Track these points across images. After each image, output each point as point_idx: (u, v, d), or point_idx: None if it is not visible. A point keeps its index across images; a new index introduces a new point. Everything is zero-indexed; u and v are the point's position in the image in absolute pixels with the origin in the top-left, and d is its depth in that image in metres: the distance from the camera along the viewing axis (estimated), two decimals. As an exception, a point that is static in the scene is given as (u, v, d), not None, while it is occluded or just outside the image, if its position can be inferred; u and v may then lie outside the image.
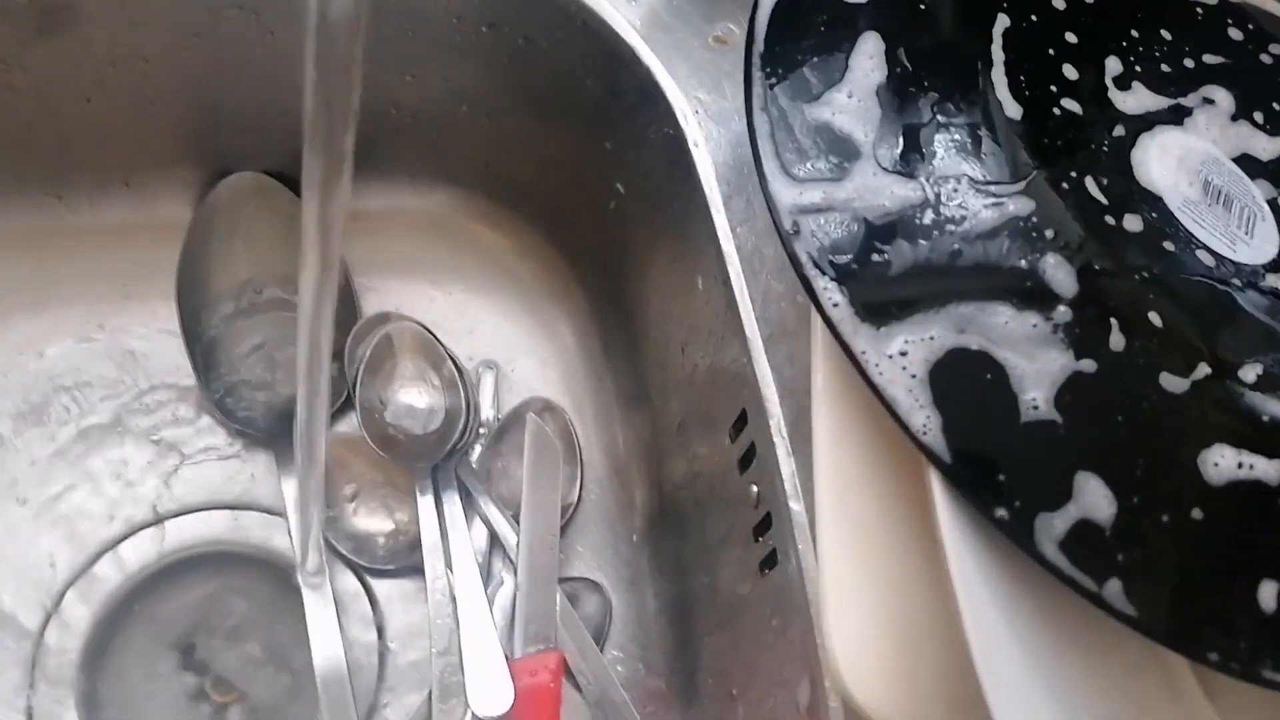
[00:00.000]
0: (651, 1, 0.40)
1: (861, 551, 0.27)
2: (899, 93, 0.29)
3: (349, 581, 0.47)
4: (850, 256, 0.27)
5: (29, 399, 0.48)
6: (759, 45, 0.30)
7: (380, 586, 0.48)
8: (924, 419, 0.25)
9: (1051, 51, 0.30)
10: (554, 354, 0.52)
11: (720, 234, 0.36)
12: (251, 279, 0.50)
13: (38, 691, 0.44)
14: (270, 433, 0.49)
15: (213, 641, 0.47)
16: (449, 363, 0.49)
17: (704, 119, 0.38)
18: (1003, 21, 0.30)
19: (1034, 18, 0.30)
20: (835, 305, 0.27)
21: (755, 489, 0.36)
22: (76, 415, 0.48)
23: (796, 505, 0.33)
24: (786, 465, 0.33)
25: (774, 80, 0.29)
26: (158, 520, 0.47)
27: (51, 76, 0.44)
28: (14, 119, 0.45)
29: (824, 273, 0.27)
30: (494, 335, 0.52)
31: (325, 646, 0.43)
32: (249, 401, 0.49)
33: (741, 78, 0.37)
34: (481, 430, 0.50)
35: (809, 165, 0.28)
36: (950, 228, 0.27)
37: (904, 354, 0.26)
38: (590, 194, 0.47)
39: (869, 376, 0.26)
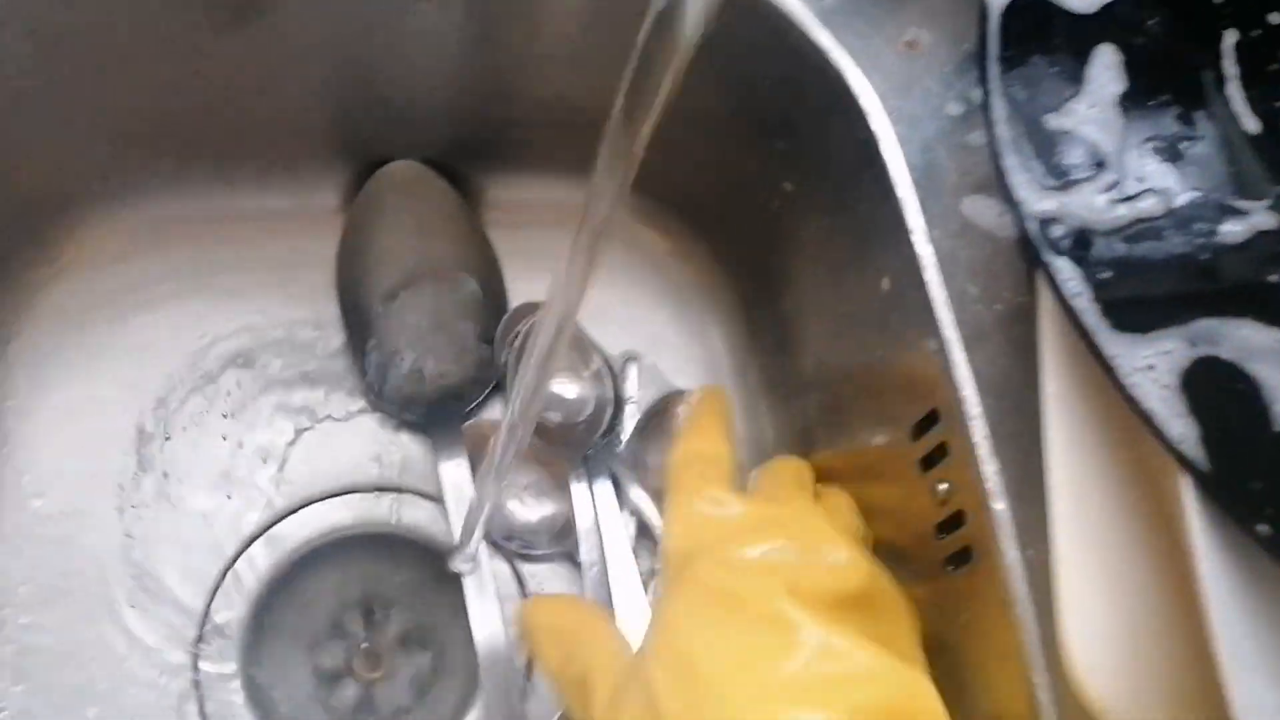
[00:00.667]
0: (837, 6, 0.40)
1: (1098, 554, 0.28)
2: (1140, 105, 0.29)
3: (500, 567, 0.48)
4: (1096, 264, 0.28)
5: (192, 381, 0.50)
6: (994, 52, 0.30)
7: (530, 571, 0.49)
8: (1180, 429, 0.26)
9: (1274, 67, 0.31)
10: (698, 349, 0.53)
11: (915, 236, 0.37)
12: (410, 266, 0.51)
13: (202, 666, 0.45)
14: (425, 418, 0.50)
15: (361, 620, 0.49)
16: (597, 355, 0.50)
17: (897, 123, 0.38)
18: (1230, 35, 0.30)
19: (1257, 31, 0.31)
20: (1084, 311, 0.27)
21: (943, 487, 0.36)
22: (237, 398, 0.50)
23: (1000, 505, 0.33)
24: (989, 465, 0.34)
25: (1014, 88, 0.30)
26: (312, 501, 0.49)
27: (237, 65, 0.45)
28: (195, 106, 0.46)
29: (1071, 278, 0.28)
30: (638, 327, 0.53)
31: (486, 631, 0.44)
32: (405, 388, 0.50)
33: (931, 83, 0.38)
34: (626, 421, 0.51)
35: (1053, 173, 0.29)
36: (1195, 240, 0.28)
37: (1151, 366, 0.27)
38: (752, 193, 0.48)
39: (1122, 384, 0.26)
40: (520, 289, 0.51)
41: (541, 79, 0.47)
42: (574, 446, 0.49)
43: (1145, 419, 0.26)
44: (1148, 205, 0.28)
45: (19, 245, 0.48)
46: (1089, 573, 0.28)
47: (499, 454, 0.35)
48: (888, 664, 0.30)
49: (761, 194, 0.47)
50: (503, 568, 0.48)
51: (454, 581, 0.46)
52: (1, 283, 0.48)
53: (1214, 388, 0.26)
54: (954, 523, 0.36)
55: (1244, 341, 0.27)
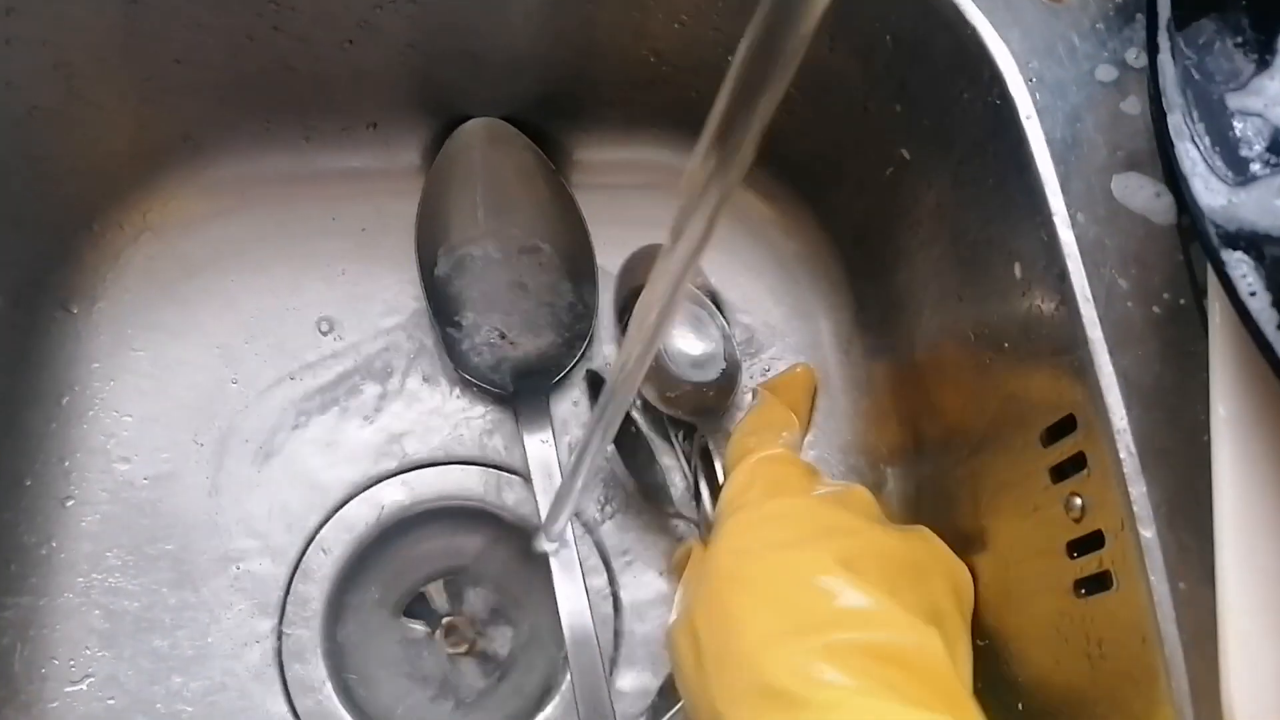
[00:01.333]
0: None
1: (1270, 597, 0.24)
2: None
3: (587, 548, 0.47)
4: (1284, 271, 0.24)
5: (276, 345, 0.48)
6: (1166, 9, 0.26)
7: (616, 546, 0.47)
8: None
9: None
10: (799, 321, 0.49)
11: (1056, 218, 0.33)
12: (490, 230, 0.49)
13: (287, 634, 0.44)
14: (507, 387, 0.47)
15: (445, 594, 0.47)
16: (719, 315, 0.47)
17: (1038, 88, 0.34)
18: None
19: None
20: (1267, 323, 0.23)
21: (1079, 501, 0.33)
22: (320, 362, 0.48)
23: (1149, 532, 0.30)
24: (1136, 486, 0.30)
25: (1188, 58, 0.26)
26: (395, 473, 0.47)
27: (319, 17, 0.42)
28: (276, 61, 0.44)
29: (1254, 285, 0.24)
30: (736, 297, 0.50)
31: (573, 610, 0.43)
32: (488, 355, 0.48)
33: (1078, 42, 0.34)
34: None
35: (1233, 161, 0.25)
36: None
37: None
38: (865, 158, 0.44)
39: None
40: (610, 254, 0.48)
41: (636, 33, 0.44)
42: (708, 412, 0.47)
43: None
44: (1354, 203, 0.24)
45: (104, 207, 0.47)
46: (1260, 617, 0.25)
47: (596, 427, 0.33)
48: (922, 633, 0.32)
49: (876, 160, 0.43)
50: (589, 549, 0.46)
51: (540, 559, 0.44)
52: (87, 244, 0.47)
53: None
54: (1090, 543, 0.32)
55: None
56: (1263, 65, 0.25)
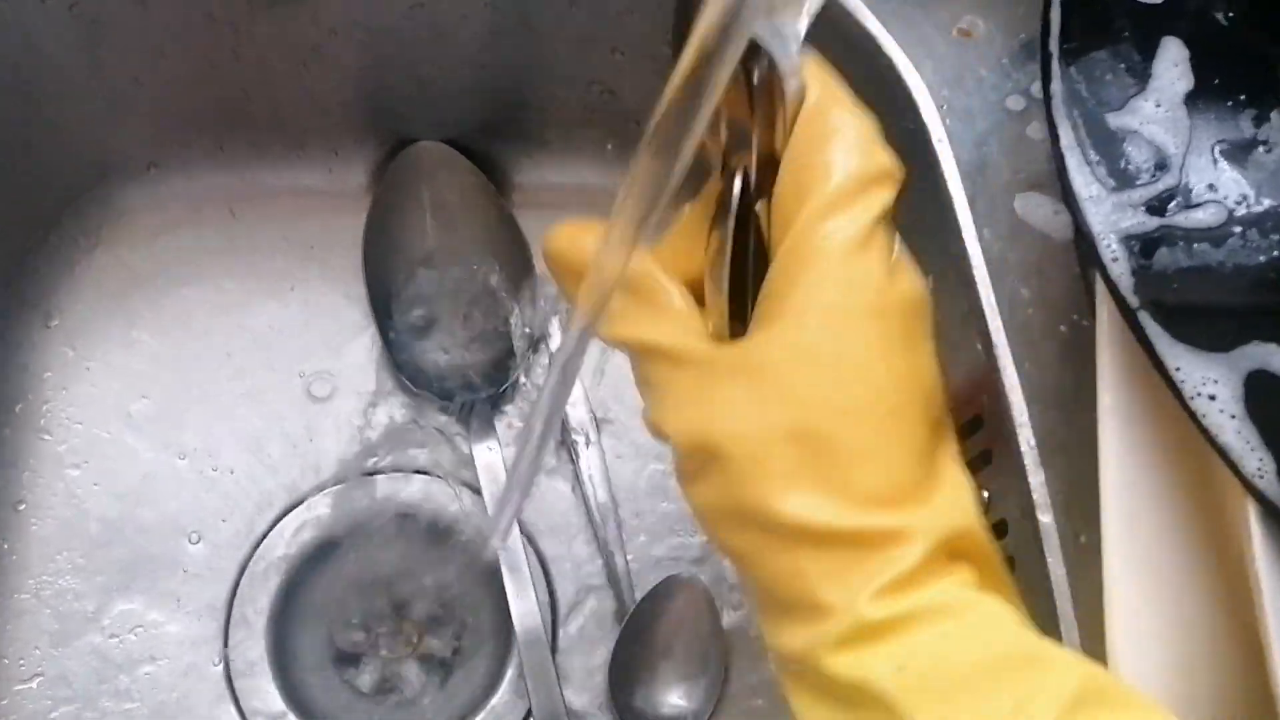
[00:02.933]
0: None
1: (1151, 575, 0.27)
2: (1211, 105, 0.28)
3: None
4: (1158, 273, 0.27)
5: (224, 358, 0.49)
6: (1055, 44, 0.29)
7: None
8: (1257, 463, 0.24)
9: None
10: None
11: (965, 234, 0.36)
12: (433, 249, 0.51)
13: (234, 636, 0.45)
14: (454, 401, 0.49)
15: (390, 600, 0.49)
16: None
17: (947, 114, 0.37)
18: (1315, 33, 0.28)
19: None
20: (1145, 321, 0.26)
21: (986, 494, 0.35)
22: (267, 376, 0.50)
23: (1046, 517, 0.32)
24: (1036, 475, 0.33)
25: (1077, 83, 0.29)
26: (341, 480, 0.48)
27: (275, 44, 0.44)
28: (232, 84, 0.46)
29: (1132, 286, 0.26)
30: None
31: (523, 614, 0.44)
32: (434, 368, 0.50)
33: (985, 71, 0.37)
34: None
35: (1116, 175, 0.28)
36: (1264, 253, 0.26)
37: (1213, 396, 0.26)
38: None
39: (1190, 409, 0.25)
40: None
41: (576, 61, 0.46)
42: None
43: (1221, 454, 0.25)
44: (1214, 213, 0.27)
45: (60, 219, 0.48)
46: (1141, 591, 0.27)
47: (532, 441, 0.34)
48: None
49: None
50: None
51: (481, 566, 0.46)
52: (42, 257, 0.48)
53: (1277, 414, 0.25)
54: (995, 532, 0.35)
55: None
56: (1140, 88, 0.28)
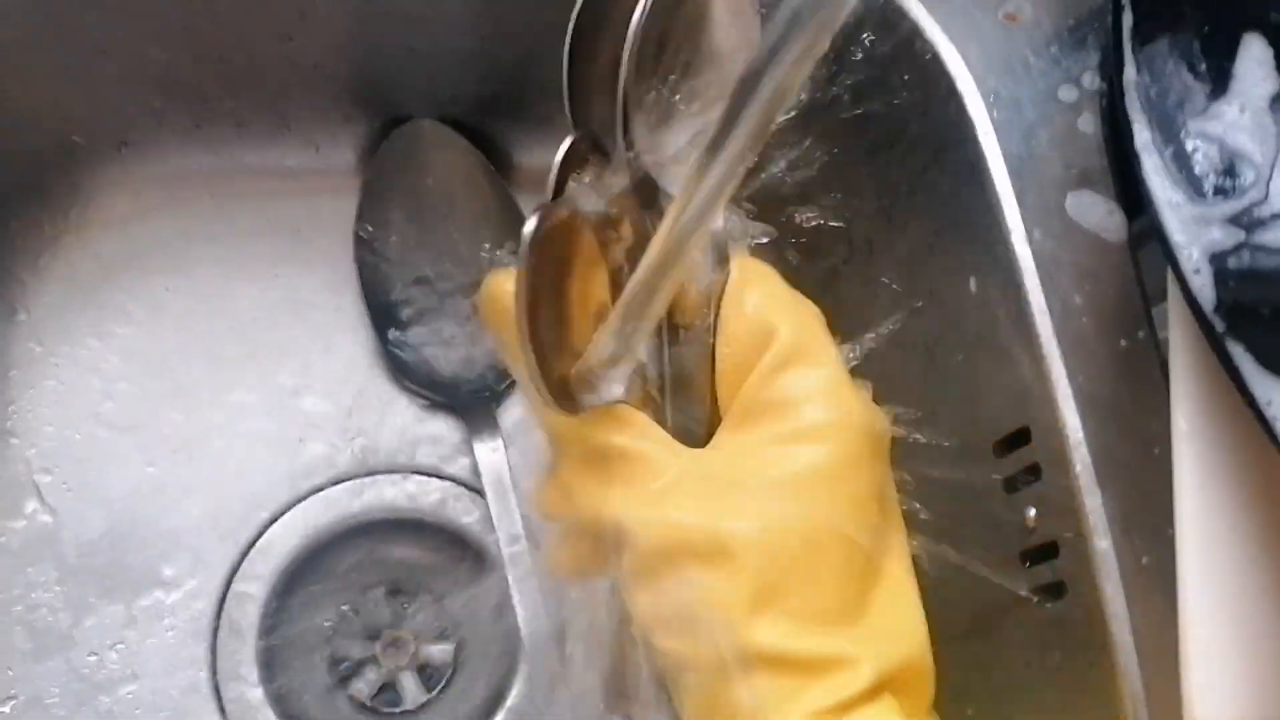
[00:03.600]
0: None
1: (1230, 608, 0.25)
2: (1298, 108, 0.26)
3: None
4: (1247, 294, 0.25)
5: (204, 351, 0.47)
6: (1127, 34, 0.27)
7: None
8: None
9: None
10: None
11: (1013, 234, 0.33)
12: (429, 236, 0.48)
13: (222, 650, 0.43)
14: (453, 398, 0.47)
15: (386, 604, 0.46)
16: None
17: (995, 105, 0.35)
18: None
19: None
20: (1229, 344, 0.24)
21: (1033, 512, 0.33)
22: (252, 369, 0.47)
23: (1104, 542, 0.30)
24: (1092, 496, 0.31)
25: (1149, 79, 0.26)
26: (334, 482, 0.46)
27: (254, 8, 0.41)
28: (208, 54, 0.43)
29: (1219, 306, 0.24)
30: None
31: (530, 616, 0.42)
32: (432, 364, 0.47)
33: (1034, 60, 0.35)
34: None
35: (1197, 183, 0.25)
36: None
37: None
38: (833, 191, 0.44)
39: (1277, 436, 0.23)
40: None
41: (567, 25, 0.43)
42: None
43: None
44: (1308, 228, 0.25)
45: (25, 205, 0.45)
46: (1220, 628, 0.25)
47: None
48: None
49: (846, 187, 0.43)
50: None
51: (483, 569, 0.44)
52: (4, 246, 0.45)
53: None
54: (1044, 553, 0.33)
55: None
56: (1219, 91, 0.26)
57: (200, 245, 0.47)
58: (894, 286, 0.41)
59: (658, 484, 0.25)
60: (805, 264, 0.48)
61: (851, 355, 0.36)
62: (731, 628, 0.23)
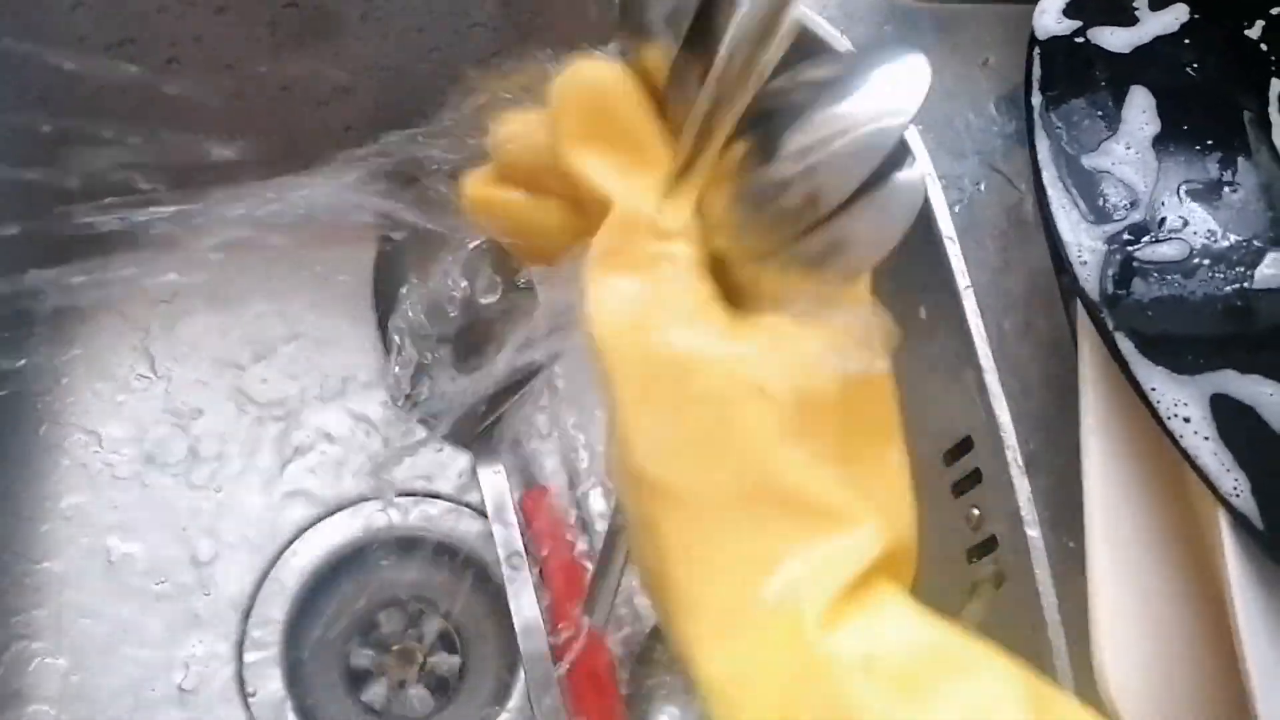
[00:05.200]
0: (870, 28, 0.42)
1: (1133, 581, 0.29)
2: (1175, 147, 0.31)
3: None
4: (1133, 301, 0.29)
5: (230, 383, 0.51)
6: (1037, 91, 0.32)
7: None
8: (1234, 482, 0.27)
9: (1317, 116, 0.32)
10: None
11: (955, 267, 0.38)
12: (444, 263, 0.53)
13: (246, 659, 0.46)
14: (457, 426, 0.51)
15: (397, 623, 0.50)
16: None
17: (939, 154, 0.40)
18: (1277, 86, 0.31)
19: (1298, 83, 0.32)
20: (1122, 344, 0.29)
21: (976, 512, 0.37)
22: (270, 391, 0.51)
23: (1034, 531, 0.34)
24: (1023, 492, 0.35)
25: (1057, 127, 0.31)
26: (346, 505, 0.50)
27: (294, 80, 0.46)
28: (250, 114, 0.48)
29: (1110, 313, 0.29)
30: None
31: (529, 633, 0.45)
32: (441, 394, 0.51)
33: (972, 116, 0.40)
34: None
35: (1094, 210, 0.30)
36: (1230, 284, 0.29)
37: (1188, 419, 0.28)
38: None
39: (1171, 433, 0.27)
40: (553, 305, 0.53)
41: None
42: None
43: (1199, 473, 0.27)
44: (1179, 247, 0.29)
45: (84, 242, 0.50)
46: (1124, 598, 0.29)
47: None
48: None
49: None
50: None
51: (486, 587, 0.48)
52: (62, 284, 0.50)
53: (1252, 441, 0.27)
54: (986, 547, 0.37)
55: (1269, 403, 0.28)
56: (1110, 132, 0.31)
57: (233, 285, 0.52)
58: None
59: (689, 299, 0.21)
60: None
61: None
62: (761, 455, 0.20)
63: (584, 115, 0.22)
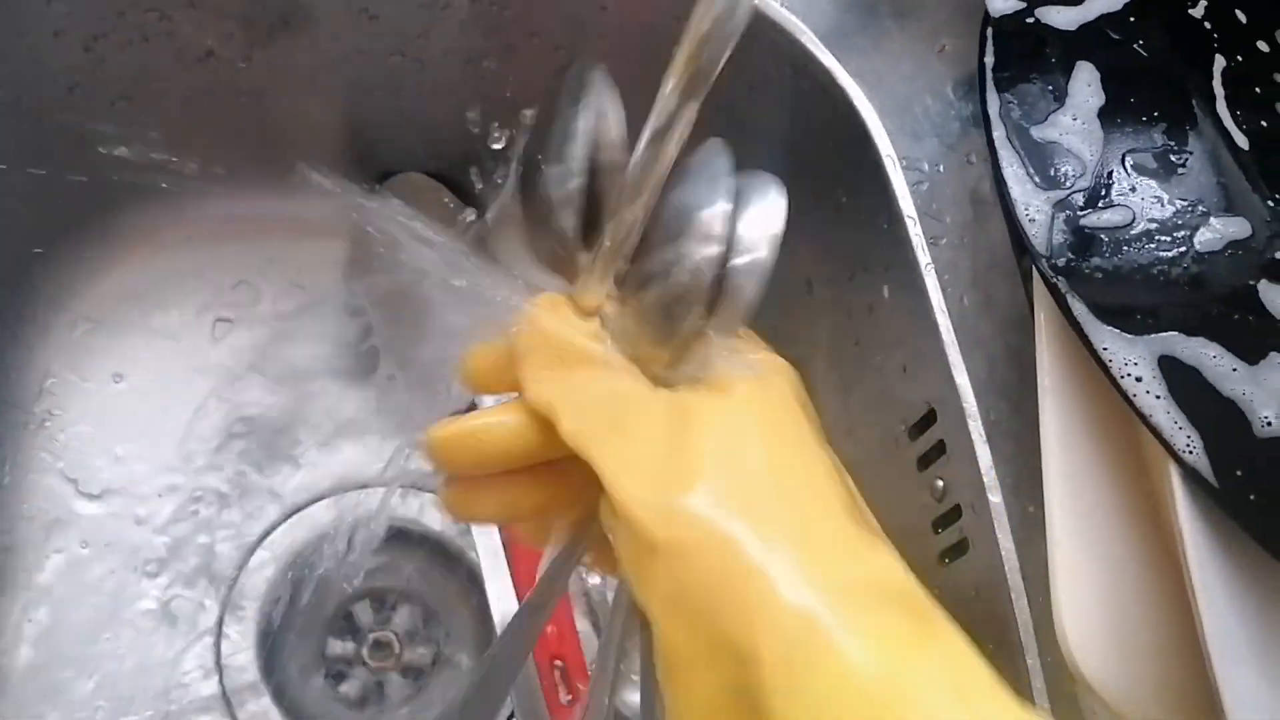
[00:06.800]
0: (829, 16, 0.43)
1: (1091, 538, 0.30)
2: (1121, 119, 0.32)
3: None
4: (1084, 265, 0.30)
5: (211, 377, 0.51)
6: (990, 68, 0.33)
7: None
8: (1186, 440, 0.28)
9: (1259, 90, 0.33)
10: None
11: (916, 245, 0.39)
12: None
13: (223, 646, 0.47)
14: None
15: (374, 612, 0.50)
16: None
17: (898, 139, 0.41)
18: (1219, 61, 0.32)
19: (1240, 58, 0.33)
20: (1075, 307, 0.29)
21: (941, 483, 0.38)
22: (253, 396, 0.51)
23: (996, 497, 0.35)
24: (985, 460, 0.36)
25: (1010, 101, 0.32)
26: (324, 495, 0.50)
27: (267, 76, 0.47)
28: (223, 112, 0.48)
29: (1062, 277, 0.30)
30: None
31: (505, 616, 0.46)
32: (412, 388, 0.52)
33: (930, 100, 0.41)
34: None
35: (1045, 181, 0.31)
36: (1174, 248, 0.30)
37: (1139, 378, 0.29)
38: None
39: (1124, 392, 0.28)
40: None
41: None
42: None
43: (1153, 431, 0.28)
44: (1124, 214, 0.30)
45: (58, 242, 0.50)
46: (1083, 555, 0.30)
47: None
48: None
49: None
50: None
51: (461, 577, 0.48)
52: (39, 280, 0.50)
53: (1201, 398, 0.28)
54: (950, 518, 0.38)
55: (1212, 364, 0.29)
56: (1058, 105, 0.32)
57: (209, 280, 0.53)
58: (828, 299, 0.47)
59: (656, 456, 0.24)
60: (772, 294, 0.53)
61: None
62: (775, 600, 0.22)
63: (541, 358, 0.27)
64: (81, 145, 0.47)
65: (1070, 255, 0.30)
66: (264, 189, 0.52)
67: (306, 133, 0.50)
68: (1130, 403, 0.28)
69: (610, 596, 0.46)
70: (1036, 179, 0.30)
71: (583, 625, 0.50)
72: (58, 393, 0.50)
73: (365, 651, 0.50)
